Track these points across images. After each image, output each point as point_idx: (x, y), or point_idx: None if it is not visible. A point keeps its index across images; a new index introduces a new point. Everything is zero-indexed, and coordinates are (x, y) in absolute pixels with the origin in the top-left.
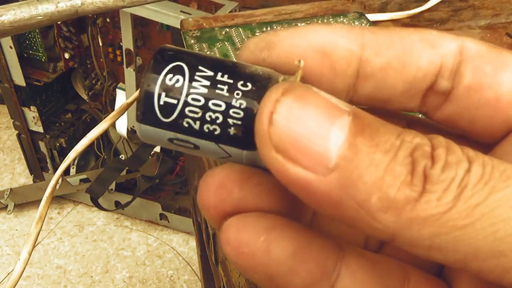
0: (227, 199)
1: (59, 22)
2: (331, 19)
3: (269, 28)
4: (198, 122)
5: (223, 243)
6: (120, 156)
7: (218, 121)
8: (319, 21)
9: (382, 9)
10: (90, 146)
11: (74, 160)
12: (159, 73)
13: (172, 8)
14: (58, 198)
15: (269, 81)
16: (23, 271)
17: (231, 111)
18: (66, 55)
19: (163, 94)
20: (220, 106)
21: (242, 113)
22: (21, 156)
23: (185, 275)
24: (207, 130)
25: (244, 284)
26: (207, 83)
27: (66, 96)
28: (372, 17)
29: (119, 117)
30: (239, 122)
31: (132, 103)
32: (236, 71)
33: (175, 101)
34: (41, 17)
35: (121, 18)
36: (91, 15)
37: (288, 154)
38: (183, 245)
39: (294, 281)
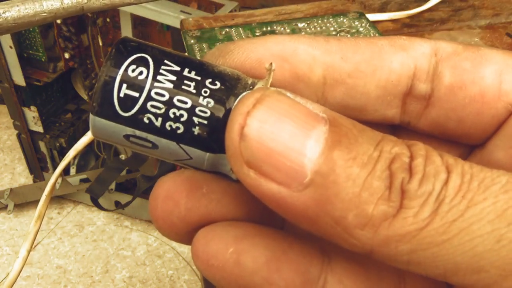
0: (174, 210)
1: (58, 21)
2: (331, 19)
3: (269, 28)
4: (160, 119)
5: (193, 256)
6: (120, 156)
7: (182, 119)
8: (319, 21)
9: (382, 9)
10: (90, 146)
11: (74, 160)
12: (121, 63)
13: (172, 8)
14: (58, 198)
15: (238, 81)
16: (21, 269)
17: (197, 110)
18: (66, 55)
19: (124, 85)
20: (185, 103)
21: (208, 112)
22: (21, 156)
23: (185, 275)
24: (169, 128)
25: None
26: (173, 77)
27: (66, 96)
28: (372, 17)
29: None
30: (205, 122)
31: None
32: (204, 69)
33: (136, 94)
34: (45, 14)
35: (121, 18)
36: (95, 12)
37: (260, 170)
38: (183, 245)
39: None
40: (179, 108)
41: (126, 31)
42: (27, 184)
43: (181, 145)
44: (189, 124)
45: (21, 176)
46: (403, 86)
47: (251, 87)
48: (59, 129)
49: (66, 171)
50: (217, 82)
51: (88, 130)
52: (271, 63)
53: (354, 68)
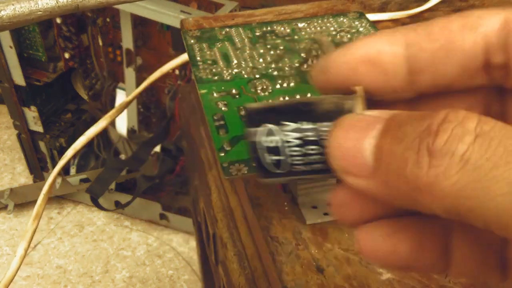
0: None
1: (58, 21)
2: (331, 19)
3: (269, 28)
4: (303, 166)
5: (361, 251)
6: (120, 156)
7: (318, 158)
8: (319, 21)
9: (382, 9)
10: (90, 146)
11: (74, 160)
12: (257, 140)
13: (172, 8)
14: (58, 198)
15: (341, 113)
16: (18, 268)
17: (324, 150)
18: (66, 55)
19: (267, 156)
20: (314, 149)
21: None
22: (21, 156)
23: (185, 275)
24: (311, 169)
25: (244, 283)
26: (297, 135)
27: (66, 96)
28: (372, 17)
29: (118, 115)
30: None
31: (130, 102)
32: (312, 115)
33: (278, 158)
34: (41, 13)
35: (121, 18)
36: (95, 12)
37: (345, 170)
38: (183, 245)
39: (418, 266)
40: (312, 154)
41: (126, 31)
42: (27, 184)
43: (326, 175)
44: (323, 158)
45: (21, 176)
46: (480, 61)
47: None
48: (59, 129)
49: (66, 171)
50: (327, 123)
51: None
52: (356, 88)
53: (432, 56)
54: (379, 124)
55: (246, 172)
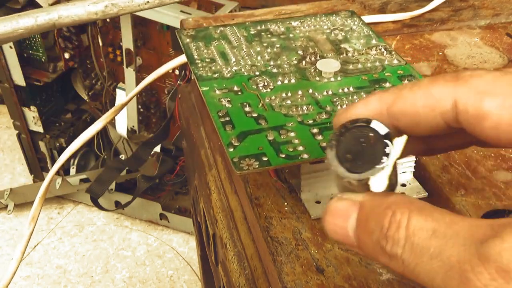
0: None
1: None
2: (324, 18)
3: (263, 27)
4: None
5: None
6: (120, 156)
7: None
8: (313, 20)
9: (382, 9)
10: (90, 146)
11: (74, 160)
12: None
13: (172, 8)
14: (58, 198)
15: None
16: (15, 271)
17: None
18: (66, 55)
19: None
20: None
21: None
22: (21, 156)
23: (185, 275)
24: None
25: (244, 284)
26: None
27: (66, 96)
28: (373, 18)
29: (114, 117)
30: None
31: (127, 102)
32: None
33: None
34: (22, 30)
35: (121, 18)
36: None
37: (336, 239)
38: (183, 245)
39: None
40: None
41: (126, 31)
42: (27, 184)
43: None
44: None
45: (21, 176)
46: (444, 125)
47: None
48: (59, 129)
49: (66, 171)
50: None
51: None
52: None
53: (409, 122)
54: (354, 212)
55: (257, 166)
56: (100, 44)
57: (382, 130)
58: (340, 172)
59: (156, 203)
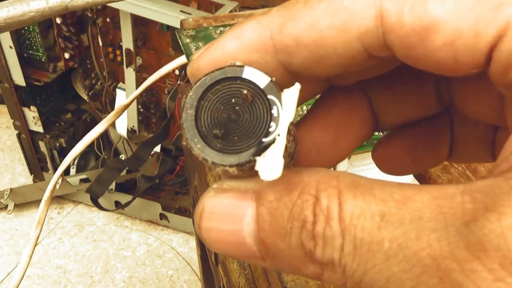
0: None
1: (58, 21)
2: None
3: None
4: None
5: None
6: (120, 156)
7: None
8: None
9: None
10: (90, 146)
11: (74, 160)
12: None
13: (172, 8)
14: (58, 198)
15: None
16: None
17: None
18: (66, 55)
19: None
20: None
21: None
22: (21, 156)
23: (185, 275)
24: None
25: (244, 284)
26: None
27: (66, 96)
28: None
29: (117, 118)
30: None
31: (130, 104)
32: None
33: None
34: (33, 13)
35: (121, 18)
36: (95, 12)
37: (227, 254)
38: (183, 245)
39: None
40: None
41: (126, 31)
42: (27, 184)
43: None
44: None
45: (21, 176)
46: (360, 56)
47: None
48: (59, 129)
49: (66, 171)
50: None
51: (88, 130)
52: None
53: (305, 63)
54: (249, 207)
55: None
56: (100, 44)
57: (261, 80)
58: (207, 158)
59: (156, 203)
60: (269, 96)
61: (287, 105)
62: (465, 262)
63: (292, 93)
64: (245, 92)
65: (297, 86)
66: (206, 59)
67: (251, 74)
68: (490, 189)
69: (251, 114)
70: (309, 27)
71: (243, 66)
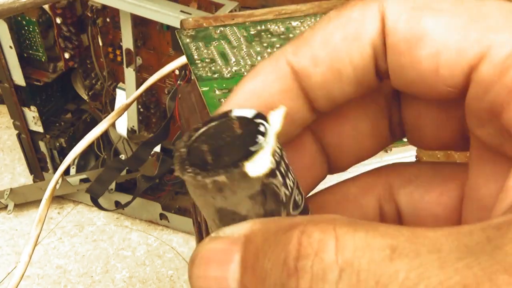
0: None
1: (58, 21)
2: (318, 18)
3: (263, 27)
4: None
5: None
6: (120, 156)
7: None
8: (312, 20)
9: None
10: (90, 146)
11: (74, 160)
12: None
13: (172, 8)
14: (58, 198)
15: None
16: (23, 274)
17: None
18: (66, 55)
19: None
20: None
21: None
22: (21, 156)
23: (185, 275)
24: None
25: None
26: None
27: (66, 96)
28: None
29: (118, 118)
30: None
31: (131, 103)
32: None
33: None
34: (24, 0)
35: (121, 18)
36: (95, 12)
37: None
38: (183, 245)
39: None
40: None
41: (126, 31)
42: (27, 184)
43: None
44: None
45: (21, 176)
46: (373, 70)
47: None
48: (59, 129)
49: (66, 171)
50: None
51: (88, 130)
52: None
53: (323, 81)
54: (237, 253)
55: None
56: (100, 44)
57: (248, 113)
58: (196, 178)
59: (156, 203)
60: (256, 120)
61: (273, 120)
62: (508, 286)
63: (276, 113)
64: (234, 124)
65: (282, 108)
66: (229, 106)
67: (237, 111)
68: (510, 222)
69: (242, 137)
70: (323, 44)
71: (230, 110)
